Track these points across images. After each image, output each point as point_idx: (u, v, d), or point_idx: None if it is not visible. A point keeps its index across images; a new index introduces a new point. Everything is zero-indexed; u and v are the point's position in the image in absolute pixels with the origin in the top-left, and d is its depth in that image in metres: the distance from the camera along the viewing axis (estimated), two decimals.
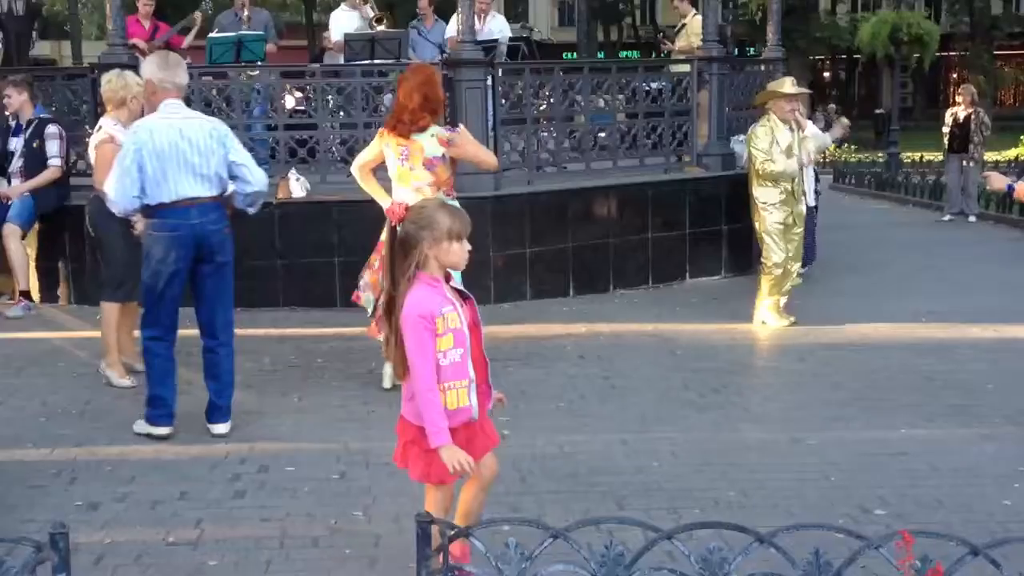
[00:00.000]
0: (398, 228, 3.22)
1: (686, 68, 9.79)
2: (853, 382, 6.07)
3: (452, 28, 9.49)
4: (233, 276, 5.21)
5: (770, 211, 7.34)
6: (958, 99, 13.75)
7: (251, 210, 5.23)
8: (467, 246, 3.25)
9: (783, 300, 7.55)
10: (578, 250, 8.62)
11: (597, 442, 5.06)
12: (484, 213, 8.17)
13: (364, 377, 6.20)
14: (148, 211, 4.97)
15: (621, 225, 8.86)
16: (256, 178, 5.08)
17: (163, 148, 4.85)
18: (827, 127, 10.43)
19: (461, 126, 5.91)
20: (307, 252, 8.09)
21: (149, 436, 5.09)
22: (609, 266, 8.80)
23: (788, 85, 7.35)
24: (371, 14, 10.17)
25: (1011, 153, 20.39)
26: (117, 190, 4.92)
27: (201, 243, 4.96)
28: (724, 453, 4.91)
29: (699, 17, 10.65)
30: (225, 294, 5.17)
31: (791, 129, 7.32)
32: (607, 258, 8.79)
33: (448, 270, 3.30)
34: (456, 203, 5.70)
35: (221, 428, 5.16)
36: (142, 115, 5.49)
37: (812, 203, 8.95)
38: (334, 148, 8.68)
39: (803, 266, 8.11)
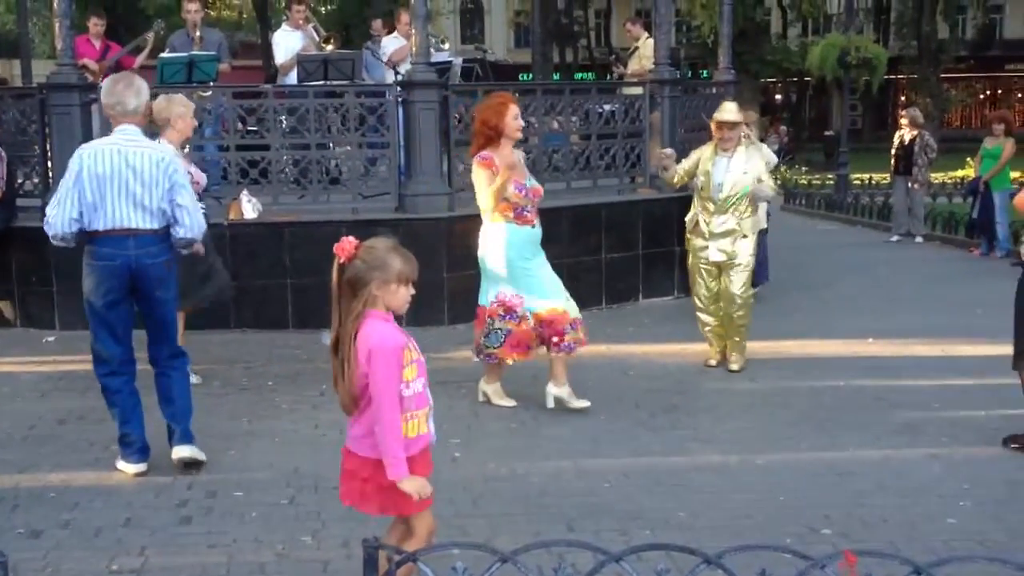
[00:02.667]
0: (346, 265, 3.14)
1: (639, 91, 9.89)
2: (802, 402, 6.14)
3: (391, 44, 9.59)
4: (174, 311, 5.03)
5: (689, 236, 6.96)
6: (902, 122, 13.99)
7: (183, 251, 5.05)
8: (412, 291, 3.17)
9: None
10: None
11: (548, 464, 5.06)
12: (438, 234, 8.18)
13: (315, 400, 6.15)
14: (86, 238, 4.76)
15: (575, 246, 8.89)
16: (190, 224, 4.80)
17: (104, 173, 4.66)
18: (781, 151, 10.47)
19: (480, 158, 5.84)
20: (259, 274, 8.03)
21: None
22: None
23: (724, 112, 6.71)
24: (315, 35, 10.14)
25: (958, 174, 20.80)
26: (55, 212, 4.71)
27: (137, 276, 4.74)
28: (674, 474, 4.93)
29: (651, 41, 10.78)
30: (168, 329, 4.99)
31: (732, 155, 6.64)
32: (560, 278, 8.78)
33: None
34: (520, 227, 5.84)
35: (185, 452, 4.92)
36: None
37: (764, 225, 9.05)
38: (286, 169, 8.64)
39: (754, 286, 8.12)
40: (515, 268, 5.83)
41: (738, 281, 6.75)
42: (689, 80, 19.28)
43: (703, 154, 6.82)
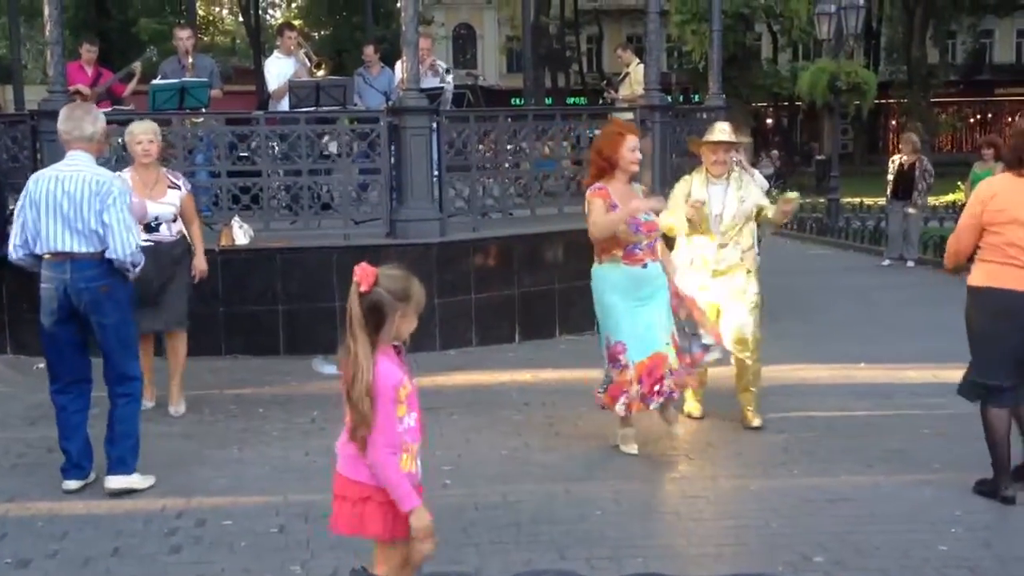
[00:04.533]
0: (367, 294, 3.07)
1: (630, 116, 9.93)
2: (794, 427, 6.13)
3: (399, 75, 9.54)
4: (122, 336, 4.95)
5: (682, 277, 5.89)
6: (901, 147, 14.02)
7: (128, 275, 4.93)
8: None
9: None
10: (524, 296, 8.65)
11: (540, 491, 5.04)
12: (429, 259, 8.19)
13: (305, 427, 6.13)
14: (38, 262, 4.89)
15: (567, 271, 8.90)
16: (114, 246, 4.75)
17: (39, 198, 4.75)
18: (773, 176, 10.37)
19: (594, 188, 5.44)
20: (250, 299, 8.02)
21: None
22: (555, 312, 8.83)
23: (716, 132, 6.03)
24: (307, 60, 10.19)
25: (949, 198, 20.90)
26: (11, 238, 4.88)
27: (74, 300, 4.78)
28: (666, 501, 4.92)
29: (642, 66, 10.84)
30: (115, 352, 4.93)
31: (727, 183, 6.00)
32: (553, 304, 8.82)
33: None
34: (628, 268, 5.37)
35: (112, 481, 4.91)
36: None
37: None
38: (278, 195, 8.64)
39: None
40: (619, 312, 5.39)
41: (753, 321, 6.05)
42: (680, 105, 19.40)
43: (691, 185, 6.02)
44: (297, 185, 8.40)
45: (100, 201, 4.76)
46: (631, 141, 5.38)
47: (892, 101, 43.61)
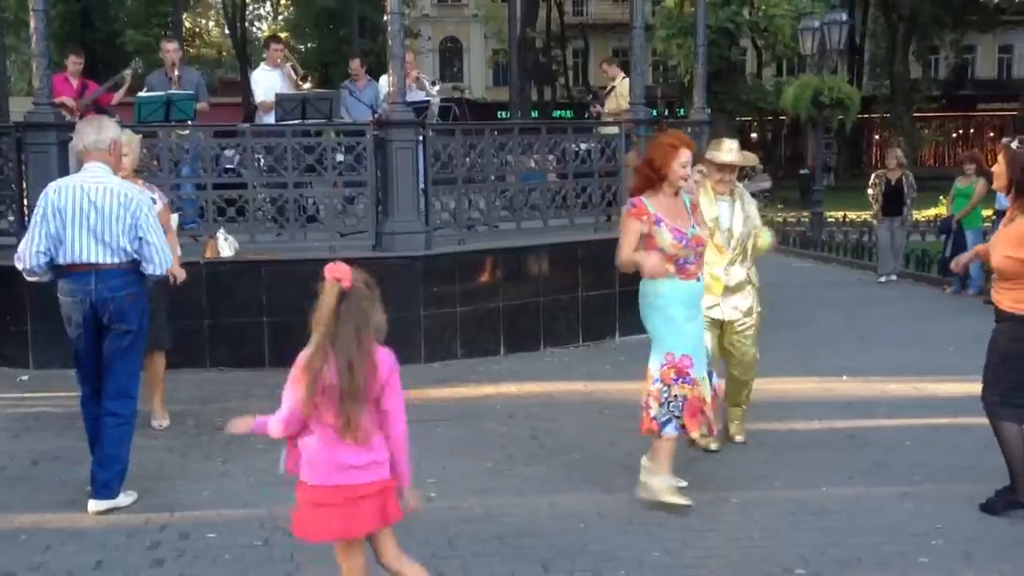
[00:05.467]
0: (348, 291, 3.21)
1: (615, 130, 10.00)
2: (776, 440, 6.17)
3: (385, 89, 9.58)
4: (136, 347, 5.00)
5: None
6: (888, 163, 13.99)
7: (150, 281, 5.04)
8: None
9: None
10: (509, 309, 8.68)
11: (524, 503, 5.06)
12: (415, 272, 8.22)
13: None
14: (55, 272, 4.89)
15: (552, 284, 8.95)
16: (158, 261, 4.86)
17: (65, 208, 4.77)
18: (768, 190, 10.13)
19: (631, 205, 5.13)
20: (235, 312, 8.02)
21: None
22: (540, 325, 8.86)
23: (724, 151, 5.92)
24: (294, 73, 10.22)
25: (931, 212, 21.05)
26: (24, 247, 4.83)
27: (99, 310, 4.81)
28: (649, 513, 4.93)
29: (627, 81, 10.92)
30: (121, 363, 4.93)
31: (732, 199, 5.96)
32: (538, 317, 8.86)
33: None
34: (683, 283, 5.01)
35: (95, 505, 4.86)
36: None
37: None
38: (263, 208, 8.66)
39: None
40: (681, 327, 5.03)
41: (752, 339, 6.06)
42: (665, 119, 19.50)
43: (702, 202, 5.76)
44: (283, 197, 8.42)
45: (131, 216, 4.80)
46: (684, 155, 5.04)
47: (875, 116, 43.93)
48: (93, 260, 4.78)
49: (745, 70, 39.39)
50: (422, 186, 8.54)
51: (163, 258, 4.89)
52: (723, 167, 5.92)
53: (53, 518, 4.84)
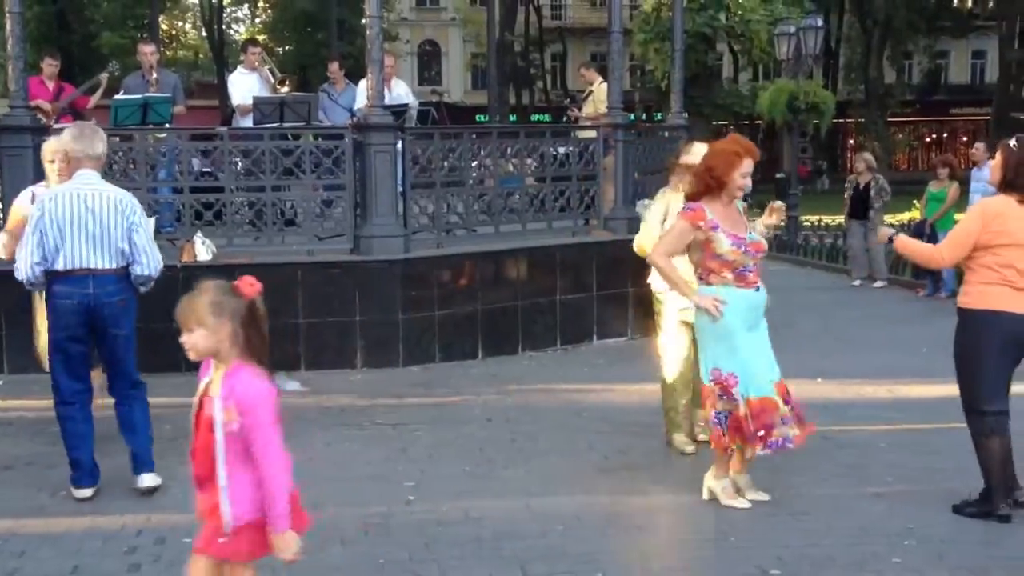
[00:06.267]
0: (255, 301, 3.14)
1: (593, 134, 10.04)
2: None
3: (362, 96, 9.56)
4: (131, 346, 5.21)
5: (665, 302, 6.01)
6: (856, 167, 14.15)
7: (142, 289, 5.20)
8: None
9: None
10: (487, 312, 8.69)
11: (502, 506, 5.07)
12: (393, 275, 8.22)
13: None
14: (49, 278, 4.99)
15: (530, 287, 8.97)
16: (149, 264, 5.07)
17: (63, 215, 4.90)
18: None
19: (689, 209, 5.00)
20: None
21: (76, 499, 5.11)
22: (518, 328, 8.88)
23: (693, 153, 5.89)
24: (271, 77, 10.21)
25: (904, 216, 21.23)
26: (23, 256, 4.95)
27: (95, 314, 4.98)
28: (627, 515, 4.97)
29: (605, 85, 10.96)
30: (124, 363, 5.20)
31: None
32: (516, 320, 8.88)
33: None
34: (741, 291, 4.88)
35: (148, 480, 5.17)
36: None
37: None
38: (241, 211, 8.63)
39: None
40: (736, 339, 4.88)
41: None
42: (642, 123, 19.54)
43: (668, 205, 5.96)
44: (261, 201, 8.40)
45: (126, 219, 4.99)
46: (746, 165, 4.89)
47: (850, 120, 44.31)
48: (92, 265, 4.95)
49: (722, 75, 39.66)
50: (400, 189, 8.54)
51: (151, 258, 5.07)
52: (692, 168, 5.77)
53: (28, 523, 4.81)
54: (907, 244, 5.34)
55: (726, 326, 4.88)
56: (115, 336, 5.07)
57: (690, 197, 5.04)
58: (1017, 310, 4.76)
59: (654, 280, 6.05)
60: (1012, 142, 4.94)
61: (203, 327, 3.04)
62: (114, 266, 4.98)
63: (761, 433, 4.87)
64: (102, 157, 5.16)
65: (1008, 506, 4.86)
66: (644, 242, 6.07)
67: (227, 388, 3.06)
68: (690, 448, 5.96)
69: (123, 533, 4.70)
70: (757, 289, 4.98)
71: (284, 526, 3.03)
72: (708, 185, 4.94)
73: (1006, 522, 4.81)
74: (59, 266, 4.92)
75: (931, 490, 5.25)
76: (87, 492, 5.12)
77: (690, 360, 5.88)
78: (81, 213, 4.91)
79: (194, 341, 3.07)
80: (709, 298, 4.89)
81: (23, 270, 4.97)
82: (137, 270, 5.04)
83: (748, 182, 4.97)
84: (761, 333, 5.04)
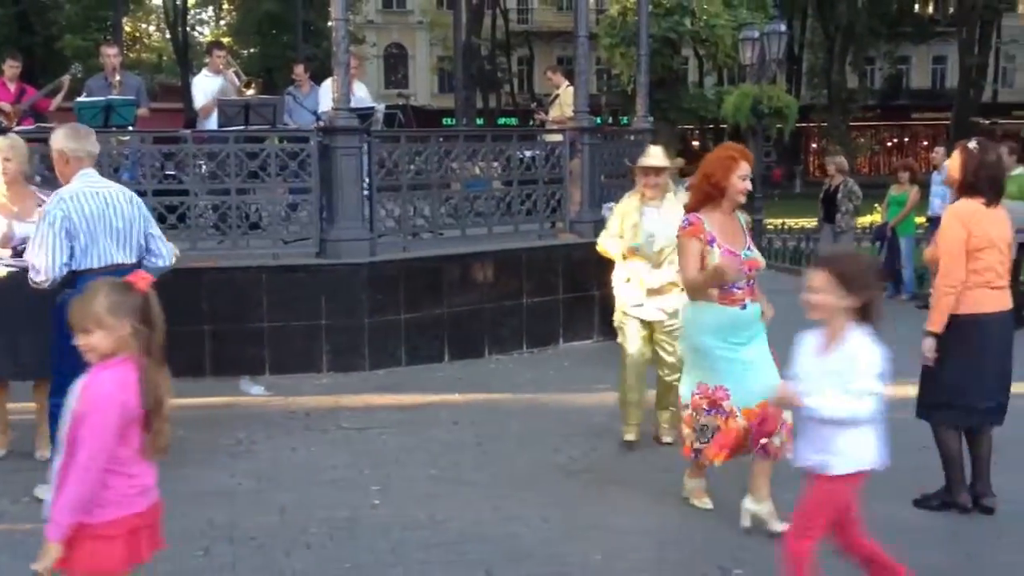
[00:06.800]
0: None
1: (559, 137, 10.07)
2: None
3: (326, 98, 9.53)
4: None
5: (619, 294, 6.26)
6: (828, 169, 14.23)
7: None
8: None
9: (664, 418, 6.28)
10: (453, 315, 8.69)
11: (469, 509, 5.08)
12: (359, 279, 8.20)
13: (231, 449, 6.08)
14: (71, 278, 4.89)
15: (496, 290, 8.98)
16: (166, 252, 5.26)
17: (92, 214, 4.95)
18: None
19: (687, 223, 4.87)
20: (175, 319, 7.84)
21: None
22: (484, 331, 8.89)
23: (648, 156, 6.18)
24: (236, 80, 10.15)
25: (866, 220, 21.47)
26: (45, 260, 4.85)
27: None
28: (593, 517, 4.99)
29: (571, 89, 11.01)
30: None
31: (660, 205, 6.06)
32: (482, 323, 8.88)
33: None
34: (722, 308, 4.75)
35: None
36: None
37: None
38: (205, 214, 8.57)
39: None
40: (714, 356, 4.79)
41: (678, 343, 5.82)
42: (609, 127, 19.66)
43: (626, 208, 6.17)
44: (225, 204, 8.34)
45: (142, 214, 5.17)
46: (744, 168, 4.80)
47: (813, 124, 44.77)
48: (118, 261, 5.01)
49: (687, 79, 39.87)
50: (366, 193, 8.52)
51: (168, 249, 5.28)
52: (649, 171, 6.07)
53: None
54: (935, 316, 5.07)
55: (700, 345, 4.84)
56: None
57: (691, 208, 4.93)
58: (996, 309, 4.94)
59: (616, 280, 6.26)
60: (971, 144, 5.01)
61: (102, 328, 2.94)
62: (134, 260, 5.09)
63: (763, 440, 4.81)
64: (96, 155, 5.21)
65: (968, 497, 4.97)
66: (604, 243, 6.28)
67: (87, 379, 2.98)
68: (630, 436, 6.17)
69: None
70: (743, 307, 4.81)
71: (54, 536, 2.93)
72: (708, 194, 4.84)
73: (966, 513, 4.90)
74: (94, 264, 4.94)
75: (894, 485, 5.30)
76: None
77: (645, 357, 6.11)
78: (104, 211, 4.98)
79: (94, 343, 2.95)
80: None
81: (50, 271, 4.85)
82: (160, 263, 5.16)
83: (748, 185, 4.87)
84: (757, 350, 4.89)
